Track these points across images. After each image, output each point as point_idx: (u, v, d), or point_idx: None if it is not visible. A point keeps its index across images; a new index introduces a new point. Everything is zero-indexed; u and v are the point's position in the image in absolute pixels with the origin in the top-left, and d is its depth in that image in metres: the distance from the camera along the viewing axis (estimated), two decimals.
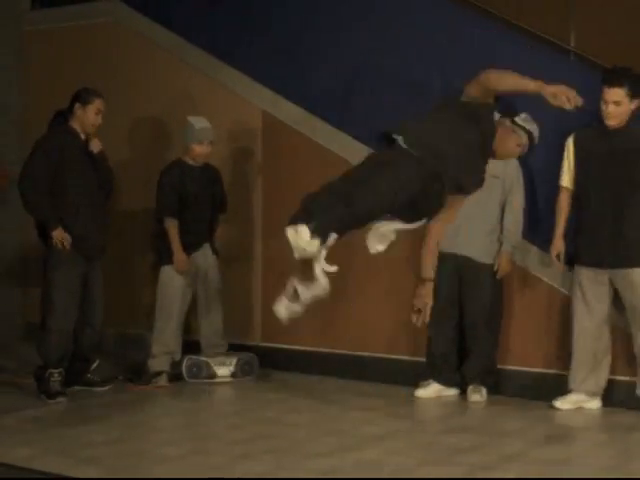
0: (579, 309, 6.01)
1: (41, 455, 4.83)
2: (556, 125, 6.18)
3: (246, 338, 7.46)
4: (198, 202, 6.90)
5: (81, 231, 6.30)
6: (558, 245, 6.00)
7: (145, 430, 5.51)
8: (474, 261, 6.28)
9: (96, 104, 6.40)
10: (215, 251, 7.05)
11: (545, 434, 5.42)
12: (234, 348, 7.15)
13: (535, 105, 5.99)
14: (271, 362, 7.27)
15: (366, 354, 7.11)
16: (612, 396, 6.10)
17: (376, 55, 7.09)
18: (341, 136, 7.18)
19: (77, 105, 6.39)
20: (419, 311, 4.90)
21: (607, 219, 5.84)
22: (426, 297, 4.92)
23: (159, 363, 6.80)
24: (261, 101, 7.52)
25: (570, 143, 6.02)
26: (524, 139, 4.68)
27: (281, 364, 7.28)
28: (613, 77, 5.79)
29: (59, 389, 6.25)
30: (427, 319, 4.91)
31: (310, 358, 7.26)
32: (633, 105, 5.83)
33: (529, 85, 4.37)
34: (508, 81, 4.42)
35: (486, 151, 4.64)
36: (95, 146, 6.42)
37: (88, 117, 6.37)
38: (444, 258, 6.21)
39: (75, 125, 6.42)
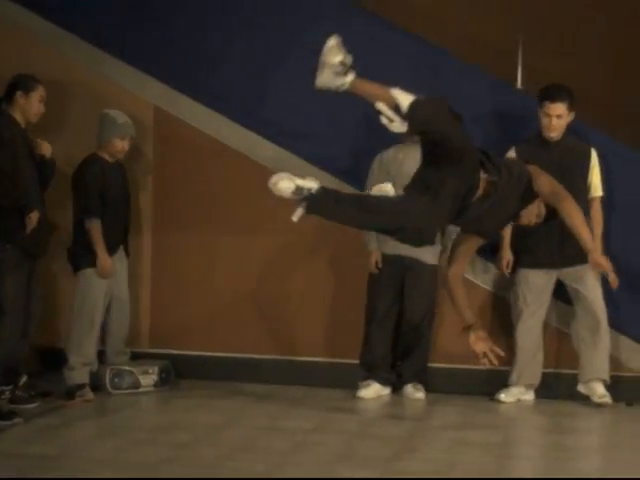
0: (523, 309, 6.36)
1: None
2: (498, 139, 6.58)
3: (133, 344, 7.06)
4: (116, 201, 6.51)
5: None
6: (507, 254, 6.38)
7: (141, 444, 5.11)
8: (420, 262, 6.42)
9: (39, 91, 5.96)
10: (128, 253, 6.66)
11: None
12: None
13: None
14: None
15: (266, 357, 7.00)
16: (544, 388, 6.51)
17: (277, 48, 7.02)
18: (239, 130, 7.02)
19: (19, 93, 5.85)
20: (485, 354, 5.13)
21: (557, 225, 6.21)
22: (486, 340, 5.19)
23: (79, 375, 6.33)
24: (153, 96, 7.16)
25: (512, 155, 6.37)
26: (543, 212, 5.20)
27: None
28: (555, 93, 6.25)
29: (11, 409, 5.70)
30: (495, 361, 5.15)
31: (202, 363, 7.04)
32: (570, 118, 6.35)
33: (588, 242, 5.20)
34: (575, 222, 5.18)
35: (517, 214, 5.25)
36: (46, 150, 5.98)
37: (32, 106, 5.89)
38: (388, 260, 6.38)
39: (16, 114, 5.85)
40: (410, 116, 4.70)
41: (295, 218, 4.84)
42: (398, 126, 4.76)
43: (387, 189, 5.11)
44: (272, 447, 5.03)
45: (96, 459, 4.82)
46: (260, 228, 6.99)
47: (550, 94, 6.25)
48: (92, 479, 4.37)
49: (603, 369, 6.25)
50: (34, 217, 5.74)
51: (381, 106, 4.73)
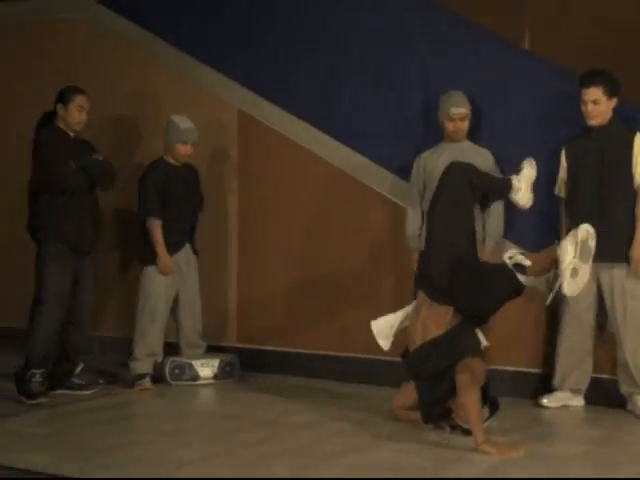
0: (567, 309, 6.14)
1: (57, 462, 4.77)
2: (545, 136, 6.38)
3: (221, 339, 7.42)
4: (180, 202, 6.87)
5: (73, 225, 6.28)
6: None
7: (154, 434, 5.42)
8: None
9: (77, 101, 6.38)
10: (195, 251, 7.02)
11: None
12: (209, 349, 7.14)
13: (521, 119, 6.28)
14: (248, 364, 7.25)
15: (343, 354, 7.11)
16: (593, 394, 6.25)
17: (354, 53, 7.13)
18: (318, 135, 7.19)
19: (59, 106, 6.37)
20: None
21: (594, 218, 5.98)
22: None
23: (142, 366, 6.75)
24: (237, 100, 7.49)
25: (562, 157, 6.23)
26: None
27: (257, 366, 7.25)
28: (589, 78, 6.04)
29: (40, 390, 6.17)
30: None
31: (288, 359, 7.26)
32: (611, 104, 6.04)
33: None
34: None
35: None
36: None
37: (71, 115, 6.34)
38: None
39: (61, 125, 6.38)
40: None
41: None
42: None
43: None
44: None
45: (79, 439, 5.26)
46: (336, 228, 7.14)
47: (583, 79, 6.03)
48: (92, 479, 4.60)
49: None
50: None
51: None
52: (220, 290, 7.42)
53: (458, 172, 5.51)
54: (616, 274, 5.99)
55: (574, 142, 6.21)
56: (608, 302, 6.05)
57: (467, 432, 5.26)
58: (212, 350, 7.14)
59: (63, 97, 6.38)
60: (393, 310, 6.68)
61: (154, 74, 7.72)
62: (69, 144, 6.36)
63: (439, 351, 5.25)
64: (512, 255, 5.15)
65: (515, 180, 5.71)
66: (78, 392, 6.48)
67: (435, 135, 6.68)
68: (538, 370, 6.49)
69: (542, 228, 6.39)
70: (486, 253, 6.26)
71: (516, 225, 6.45)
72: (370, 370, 6.97)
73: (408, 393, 5.58)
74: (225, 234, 7.48)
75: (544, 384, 6.35)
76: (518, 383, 6.50)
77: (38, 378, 6.15)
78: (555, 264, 5.10)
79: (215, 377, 6.90)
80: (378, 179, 7.00)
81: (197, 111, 7.31)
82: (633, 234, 5.99)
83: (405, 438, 5.29)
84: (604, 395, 6.26)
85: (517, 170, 5.84)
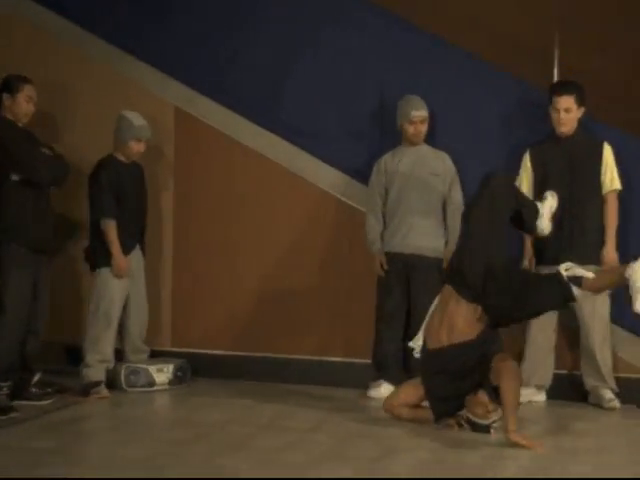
0: None
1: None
2: (513, 140, 6.56)
3: (156, 343, 7.18)
4: (132, 201, 6.62)
5: (36, 224, 5.99)
6: (528, 252, 6.36)
7: (163, 442, 5.18)
8: (424, 257, 6.44)
9: (26, 91, 6.07)
10: (144, 252, 6.77)
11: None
12: None
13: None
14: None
15: (295, 357, 7.06)
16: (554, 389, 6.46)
17: (301, 49, 7.10)
18: (260, 132, 7.10)
19: (5, 95, 6.00)
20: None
21: (566, 221, 6.22)
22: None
23: (95, 373, 6.45)
24: (173, 97, 7.27)
25: (526, 159, 6.40)
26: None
27: (194, 370, 7.06)
28: (563, 87, 6.31)
29: (8, 403, 5.80)
30: None
31: (223, 362, 7.12)
32: (579, 113, 6.31)
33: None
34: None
35: None
36: None
37: (19, 106, 6.02)
38: (393, 259, 6.41)
39: (7, 115, 6.02)
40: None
41: None
42: None
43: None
44: (263, 446, 5.04)
45: (89, 455, 4.94)
46: (278, 226, 7.08)
47: (557, 88, 6.30)
48: (90, 479, 4.41)
49: (608, 376, 6.20)
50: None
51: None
52: (154, 292, 7.15)
53: (505, 183, 5.62)
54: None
55: (540, 147, 6.40)
56: (578, 304, 6.24)
57: (478, 428, 5.32)
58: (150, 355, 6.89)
59: (9, 86, 6.00)
60: (343, 310, 6.74)
61: (87, 71, 7.34)
62: (20, 135, 5.97)
63: (470, 352, 5.29)
64: (569, 267, 5.24)
65: (540, 207, 5.82)
66: (36, 402, 6.08)
67: (390, 137, 6.73)
68: None
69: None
70: (449, 254, 6.35)
71: None
72: (324, 372, 6.94)
73: (412, 390, 5.57)
74: (159, 234, 7.24)
75: None
76: None
77: (5, 391, 5.81)
78: (620, 282, 5.20)
79: (170, 383, 6.67)
80: (325, 178, 6.97)
81: (131, 108, 6.98)
82: (601, 238, 6.23)
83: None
84: (565, 390, 6.46)
85: (541, 198, 5.95)
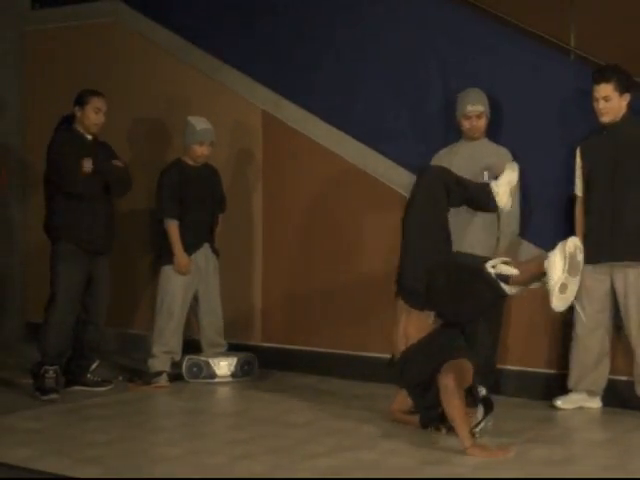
0: (581, 310, 5.99)
1: (41, 455, 4.83)
2: (560, 134, 6.26)
3: (246, 338, 7.45)
4: (198, 202, 6.91)
5: (85, 226, 6.37)
6: None
7: (145, 430, 5.46)
8: (474, 255, 6.24)
9: (93, 103, 6.46)
10: (215, 251, 7.06)
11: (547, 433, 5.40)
12: (234, 348, 7.16)
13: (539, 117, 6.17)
14: (272, 362, 7.27)
15: (366, 354, 7.05)
16: (611, 395, 6.09)
17: (374, 53, 7.10)
18: (342, 137, 7.17)
19: (77, 108, 6.47)
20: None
21: (607, 216, 5.88)
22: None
23: (159, 363, 6.80)
24: (261, 101, 7.51)
25: (577, 154, 6.10)
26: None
27: (281, 364, 7.26)
28: (600, 74, 5.92)
29: (53, 386, 6.26)
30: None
31: (310, 358, 7.25)
32: (623, 100, 5.89)
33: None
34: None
35: None
36: (85, 166, 6.45)
37: (88, 117, 6.44)
38: None
39: (78, 127, 6.47)
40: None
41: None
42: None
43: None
44: (225, 438, 5.23)
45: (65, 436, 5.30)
46: (359, 226, 7.13)
47: (594, 76, 5.91)
48: (87, 479, 4.62)
49: None
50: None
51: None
52: (245, 289, 7.45)
53: (432, 176, 5.45)
54: (631, 274, 5.84)
55: (588, 140, 6.07)
56: (622, 304, 5.89)
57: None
58: (237, 349, 7.17)
59: (80, 99, 6.49)
60: None
61: (182, 76, 7.77)
62: (84, 146, 6.44)
63: (421, 357, 5.19)
64: (495, 264, 5.03)
65: (494, 185, 5.59)
66: (93, 389, 6.56)
67: (455, 134, 6.60)
68: (553, 371, 6.34)
69: (559, 227, 6.25)
70: (500, 252, 6.14)
71: (532, 225, 6.35)
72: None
73: (405, 397, 5.52)
74: (250, 234, 7.52)
75: (560, 385, 6.18)
76: (531, 383, 6.37)
77: (51, 374, 6.25)
78: (543, 276, 4.95)
79: (233, 375, 6.93)
80: (399, 179, 6.92)
81: (222, 112, 7.32)
82: None
83: (401, 438, 5.24)
84: (621, 397, 6.09)
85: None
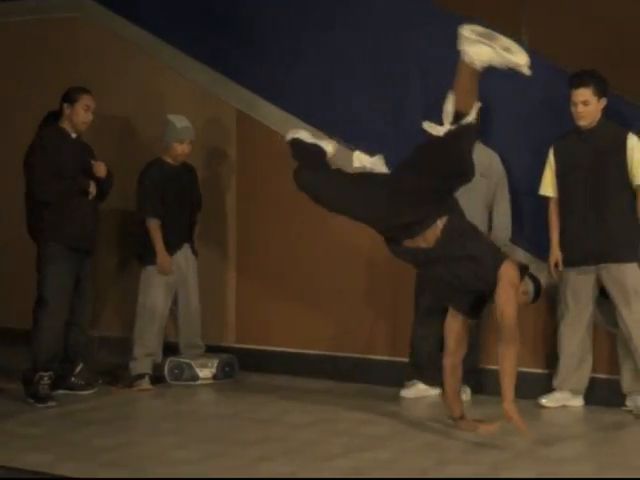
0: (566, 310, 6.14)
1: (58, 461, 4.77)
2: (538, 134, 6.38)
3: (220, 339, 7.42)
4: (178, 202, 6.88)
5: (74, 225, 6.27)
6: (556, 253, 6.15)
7: (150, 434, 5.43)
8: None
9: (83, 100, 6.37)
10: (195, 252, 7.02)
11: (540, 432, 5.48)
12: (208, 350, 7.13)
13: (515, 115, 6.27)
14: (246, 364, 7.24)
15: (342, 354, 7.10)
16: (592, 394, 6.24)
17: (354, 53, 7.12)
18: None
19: (65, 105, 6.35)
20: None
21: (591, 218, 6.02)
22: (476, 424, 5.32)
23: (141, 365, 6.75)
24: (236, 100, 7.48)
25: (550, 154, 6.20)
26: (530, 287, 5.13)
27: (256, 366, 7.25)
28: (579, 79, 6.05)
29: (48, 393, 6.17)
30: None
31: (286, 359, 7.26)
32: (600, 104, 6.05)
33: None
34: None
35: None
36: (100, 172, 6.38)
37: (77, 115, 6.35)
38: None
39: (65, 125, 6.35)
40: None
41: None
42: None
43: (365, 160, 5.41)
44: (240, 439, 5.23)
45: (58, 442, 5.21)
46: (333, 226, 7.12)
47: (573, 80, 6.04)
48: (90, 479, 4.60)
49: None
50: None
51: None
52: (219, 290, 7.41)
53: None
54: (617, 273, 5.99)
55: (563, 141, 6.20)
56: (616, 302, 6.03)
57: None
58: (211, 350, 7.13)
59: (69, 96, 6.38)
60: (392, 312, 6.75)
61: (154, 74, 7.69)
62: (69, 146, 6.35)
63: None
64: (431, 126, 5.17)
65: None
66: (78, 392, 6.47)
67: None
68: (540, 370, 6.45)
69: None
70: None
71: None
72: (369, 370, 6.96)
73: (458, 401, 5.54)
74: (224, 234, 7.48)
75: (546, 384, 6.30)
76: (519, 383, 6.44)
77: (46, 380, 6.16)
78: (473, 71, 4.95)
79: (214, 377, 6.91)
80: None
81: (195, 111, 7.27)
82: (630, 234, 5.99)
83: (409, 438, 5.31)
84: (601, 395, 6.24)
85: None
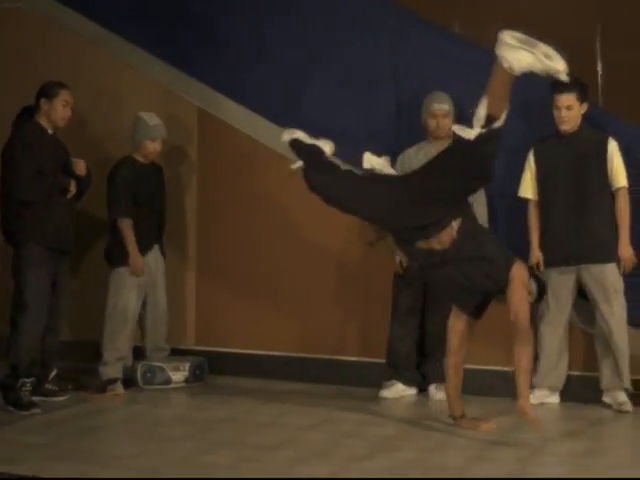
0: (547, 310, 6.27)
1: (90, 471, 4.60)
2: (514, 137, 6.48)
3: (179, 341, 7.28)
4: (149, 201, 6.74)
5: (53, 225, 6.07)
6: (536, 254, 6.27)
7: (159, 440, 5.28)
8: None
9: (62, 96, 6.17)
10: (163, 252, 6.88)
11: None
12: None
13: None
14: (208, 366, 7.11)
15: (308, 355, 7.08)
16: (567, 390, 6.39)
17: (321, 52, 7.09)
18: (280, 132, 7.10)
19: (43, 100, 6.12)
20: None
21: (572, 220, 6.18)
22: (476, 423, 5.42)
23: (112, 370, 6.57)
24: (197, 98, 7.36)
25: (530, 156, 6.34)
26: (534, 287, 5.25)
27: (217, 368, 7.13)
28: (563, 84, 6.13)
29: (31, 399, 5.95)
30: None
31: (248, 361, 7.17)
32: (582, 109, 6.24)
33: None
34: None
35: None
36: (80, 169, 6.19)
37: (56, 111, 6.14)
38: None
39: (42, 121, 6.13)
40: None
41: (293, 167, 5.53)
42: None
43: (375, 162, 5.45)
44: (260, 443, 5.14)
45: (70, 449, 5.01)
46: (297, 226, 7.11)
47: (558, 85, 6.13)
48: (91, 479, 4.50)
49: (624, 376, 6.13)
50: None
51: None
52: (178, 291, 7.25)
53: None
54: (597, 273, 6.16)
55: (543, 145, 6.34)
56: (597, 301, 6.18)
57: None
58: (172, 353, 6.99)
59: (47, 92, 6.15)
60: (362, 312, 6.76)
61: (110, 71, 7.48)
62: (48, 143, 6.13)
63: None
64: (460, 128, 5.20)
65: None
66: (52, 399, 6.23)
67: (408, 135, 6.70)
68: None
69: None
70: None
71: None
72: (336, 371, 6.95)
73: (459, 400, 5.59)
74: (183, 233, 7.34)
75: None
76: (496, 382, 6.56)
77: (28, 387, 5.92)
78: (508, 77, 5.05)
79: (186, 381, 6.77)
80: None
81: (154, 109, 7.09)
82: (610, 235, 6.16)
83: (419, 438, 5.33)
84: (576, 392, 6.40)
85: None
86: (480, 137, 5.06)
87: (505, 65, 4.93)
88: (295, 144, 5.60)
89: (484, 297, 5.38)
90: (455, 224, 5.23)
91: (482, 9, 7.16)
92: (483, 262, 5.21)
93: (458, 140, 5.14)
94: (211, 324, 7.37)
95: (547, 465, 4.86)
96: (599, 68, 7.08)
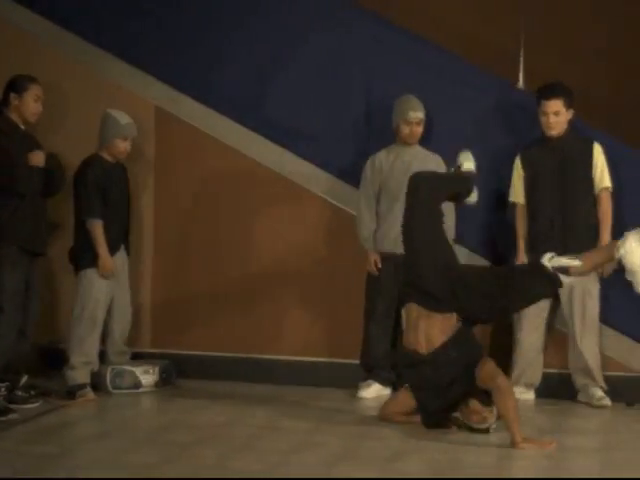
0: (525, 309, 6.34)
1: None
2: (504, 142, 6.57)
3: (134, 344, 7.06)
4: (117, 201, 6.51)
5: (28, 225, 5.84)
6: (522, 258, 6.35)
7: (166, 446, 5.08)
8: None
9: (33, 90, 5.95)
10: (129, 252, 6.67)
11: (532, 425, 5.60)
12: None
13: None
14: None
15: (266, 357, 7.00)
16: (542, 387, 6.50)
17: (287, 52, 7.04)
18: (250, 136, 7.02)
19: (13, 95, 5.86)
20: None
21: (557, 223, 6.28)
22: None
23: (80, 375, 6.32)
24: (155, 97, 7.18)
25: (517, 161, 6.43)
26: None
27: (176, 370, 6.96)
28: (550, 90, 6.31)
29: (7, 405, 5.68)
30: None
31: (203, 362, 7.03)
32: (569, 115, 6.35)
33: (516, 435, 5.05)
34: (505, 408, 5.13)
35: None
36: (36, 161, 5.89)
37: (27, 106, 5.89)
38: (386, 259, 6.37)
39: (12, 116, 5.87)
40: None
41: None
42: None
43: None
44: (271, 447, 4.99)
45: (95, 459, 4.76)
46: (261, 227, 7.00)
47: (545, 92, 6.30)
48: (92, 479, 4.35)
49: (597, 374, 6.28)
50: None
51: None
52: (133, 293, 6.99)
53: (425, 179, 5.63)
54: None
55: (530, 150, 6.44)
56: (566, 302, 6.31)
57: (476, 431, 5.31)
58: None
59: (17, 86, 5.89)
60: (322, 311, 6.70)
61: (58, 68, 7.17)
62: (19, 138, 5.86)
63: (451, 359, 5.27)
64: (552, 257, 5.25)
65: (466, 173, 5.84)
66: (22, 406, 5.92)
67: (377, 137, 6.70)
68: None
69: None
70: None
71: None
72: (297, 372, 6.91)
73: (407, 399, 5.54)
74: (140, 233, 7.12)
75: None
76: None
77: (3, 392, 5.65)
78: (609, 261, 5.24)
79: (156, 385, 6.57)
80: (310, 178, 6.92)
81: (109, 107, 6.84)
82: (595, 236, 6.29)
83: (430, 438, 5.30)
84: (552, 388, 6.50)
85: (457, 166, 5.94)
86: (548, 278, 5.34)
87: (617, 255, 5.16)
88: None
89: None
90: (453, 317, 5.37)
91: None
92: (463, 368, 5.28)
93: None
94: (166, 326, 7.18)
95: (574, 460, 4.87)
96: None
